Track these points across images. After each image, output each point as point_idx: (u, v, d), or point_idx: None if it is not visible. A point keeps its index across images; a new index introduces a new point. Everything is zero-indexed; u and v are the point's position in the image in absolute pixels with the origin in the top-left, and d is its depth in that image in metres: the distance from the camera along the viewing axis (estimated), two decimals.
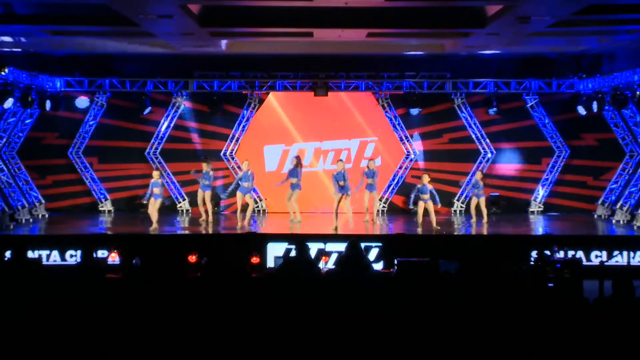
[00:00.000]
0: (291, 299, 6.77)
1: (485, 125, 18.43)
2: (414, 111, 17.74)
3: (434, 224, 14.82)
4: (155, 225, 14.67)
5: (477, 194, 15.98)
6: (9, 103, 15.17)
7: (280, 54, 17.02)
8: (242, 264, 9.47)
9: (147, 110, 17.69)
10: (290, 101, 18.44)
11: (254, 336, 5.67)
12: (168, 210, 18.25)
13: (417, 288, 7.33)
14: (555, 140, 18.39)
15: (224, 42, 15.02)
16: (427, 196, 15.08)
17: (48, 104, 16.63)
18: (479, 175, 16.21)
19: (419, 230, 14.83)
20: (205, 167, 15.91)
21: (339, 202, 15.12)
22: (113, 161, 18.37)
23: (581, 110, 17.28)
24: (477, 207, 16.01)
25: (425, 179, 15.23)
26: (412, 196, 15.40)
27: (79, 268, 8.58)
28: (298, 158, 15.99)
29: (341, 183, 15.04)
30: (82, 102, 17.67)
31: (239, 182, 15.40)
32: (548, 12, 11.19)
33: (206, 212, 15.99)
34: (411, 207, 16.11)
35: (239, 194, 15.38)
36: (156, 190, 14.82)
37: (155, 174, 15.09)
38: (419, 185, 15.27)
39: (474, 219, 15.99)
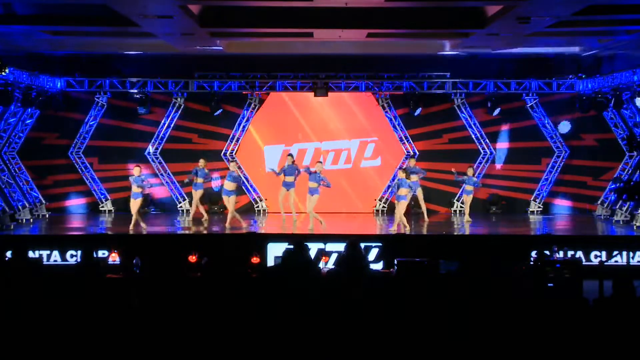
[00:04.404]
0: (291, 298, 6.78)
1: (485, 125, 18.42)
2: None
3: (425, 214, 14.15)
4: (138, 225, 14.36)
5: (465, 190, 15.99)
6: None
7: (280, 54, 17.01)
8: (242, 264, 9.48)
9: (143, 111, 17.55)
10: (290, 101, 18.43)
11: (254, 336, 5.68)
12: (168, 210, 18.31)
13: (417, 288, 7.34)
14: (555, 140, 18.39)
15: (224, 43, 15.01)
16: (405, 191, 14.02)
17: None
18: (470, 171, 16.12)
19: (407, 231, 14.21)
20: (202, 163, 15.58)
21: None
22: (113, 161, 18.36)
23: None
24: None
25: (401, 174, 14.21)
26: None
27: (79, 268, 8.59)
28: (292, 155, 15.84)
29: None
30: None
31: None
32: (548, 12, 11.18)
33: (207, 211, 15.99)
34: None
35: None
36: (135, 189, 14.47)
37: (136, 170, 14.69)
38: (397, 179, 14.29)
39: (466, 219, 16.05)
